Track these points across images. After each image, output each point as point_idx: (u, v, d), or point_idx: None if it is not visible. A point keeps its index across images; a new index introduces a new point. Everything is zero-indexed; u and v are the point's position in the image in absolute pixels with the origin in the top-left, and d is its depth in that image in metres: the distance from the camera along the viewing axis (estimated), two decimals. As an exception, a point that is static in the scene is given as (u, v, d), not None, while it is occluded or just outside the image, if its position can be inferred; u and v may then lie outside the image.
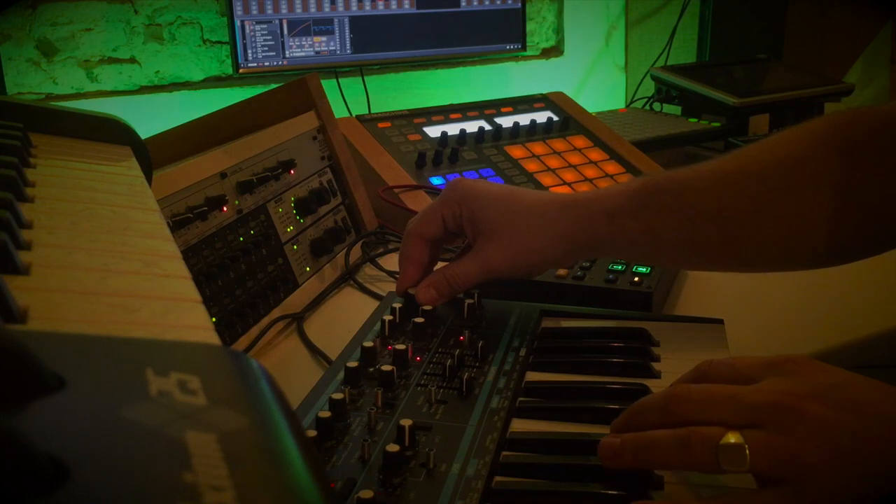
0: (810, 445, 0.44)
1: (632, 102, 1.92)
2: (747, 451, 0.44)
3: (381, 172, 1.19)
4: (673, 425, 0.47)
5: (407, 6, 1.62)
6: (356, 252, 1.07)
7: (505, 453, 0.54)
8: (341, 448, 0.53)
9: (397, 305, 0.72)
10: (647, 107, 1.80)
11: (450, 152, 1.25)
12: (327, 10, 1.56)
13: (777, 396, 0.46)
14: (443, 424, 0.56)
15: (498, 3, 1.70)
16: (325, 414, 0.55)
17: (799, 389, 0.46)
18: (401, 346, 0.65)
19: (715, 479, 0.52)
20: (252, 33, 1.51)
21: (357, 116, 1.32)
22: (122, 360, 0.25)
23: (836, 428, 0.44)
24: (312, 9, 1.55)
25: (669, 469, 0.49)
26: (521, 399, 0.61)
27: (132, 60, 1.58)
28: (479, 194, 0.72)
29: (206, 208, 0.80)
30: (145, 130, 0.67)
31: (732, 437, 0.44)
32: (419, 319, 0.70)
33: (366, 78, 1.69)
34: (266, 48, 1.52)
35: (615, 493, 0.50)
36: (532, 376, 0.65)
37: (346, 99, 1.68)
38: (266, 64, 1.53)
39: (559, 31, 2.01)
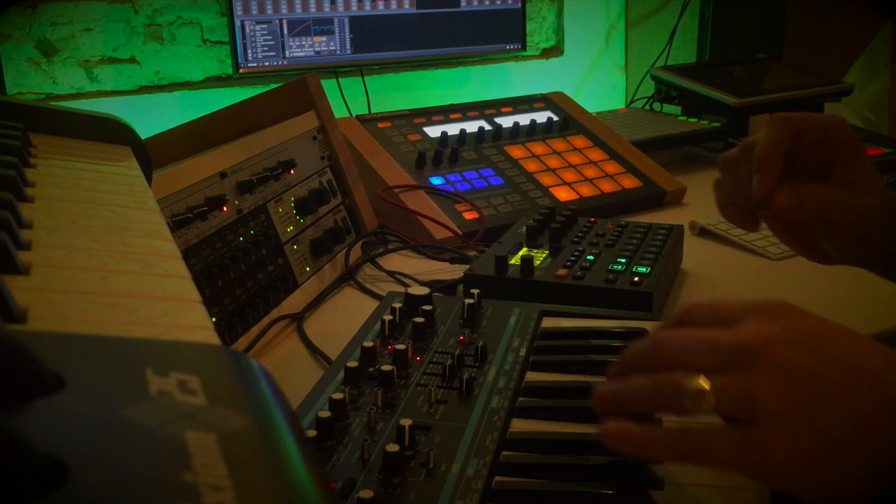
0: (772, 388, 0.43)
1: (632, 102, 1.92)
2: (711, 393, 0.43)
3: (381, 172, 1.19)
4: (654, 371, 0.47)
5: (407, 6, 1.62)
6: (356, 252, 1.07)
7: (505, 453, 0.54)
8: (341, 448, 0.53)
9: (397, 305, 0.72)
10: (647, 107, 1.80)
11: (450, 152, 1.25)
12: (327, 10, 1.56)
13: (750, 338, 0.44)
14: (443, 424, 0.56)
15: (498, 3, 1.70)
16: (325, 414, 0.55)
17: (774, 332, 0.45)
18: (401, 346, 0.65)
19: (714, 478, 0.52)
20: (252, 33, 1.51)
21: (357, 116, 1.32)
22: (122, 360, 0.25)
23: (804, 374, 0.43)
24: (312, 9, 1.55)
25: (646, 411, 0.48)
26: (521, 399, 0.61)
27: (132, 60, 1.58)
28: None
29: (206, 208, 0.80)
30: (145, 130, 0.67)
31: (697, 380, 0.44)
32: (419, 319, 0.70)
33: (366, 78, 1.69)
34: (266, 48, 1.52)
35: (615, 492, 0.50)
36: (532, 376, 0.65)
37: (346, 99, 1.68)
38: (266, 64, 1.53)
39: (559, 31, 2.01)
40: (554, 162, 1.31)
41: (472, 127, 1.32)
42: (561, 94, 1.50)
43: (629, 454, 0.46)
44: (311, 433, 0.54)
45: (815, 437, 0.42)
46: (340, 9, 1.57)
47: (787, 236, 0.69)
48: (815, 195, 0.63)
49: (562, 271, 0.87)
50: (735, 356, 0.44)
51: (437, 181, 1.21)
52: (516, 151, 1.31)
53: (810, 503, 0.44)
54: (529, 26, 1.92)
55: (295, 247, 0.95)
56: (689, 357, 0.46)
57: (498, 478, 0.52)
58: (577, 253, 0.92)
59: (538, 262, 0.89)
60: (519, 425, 0.58)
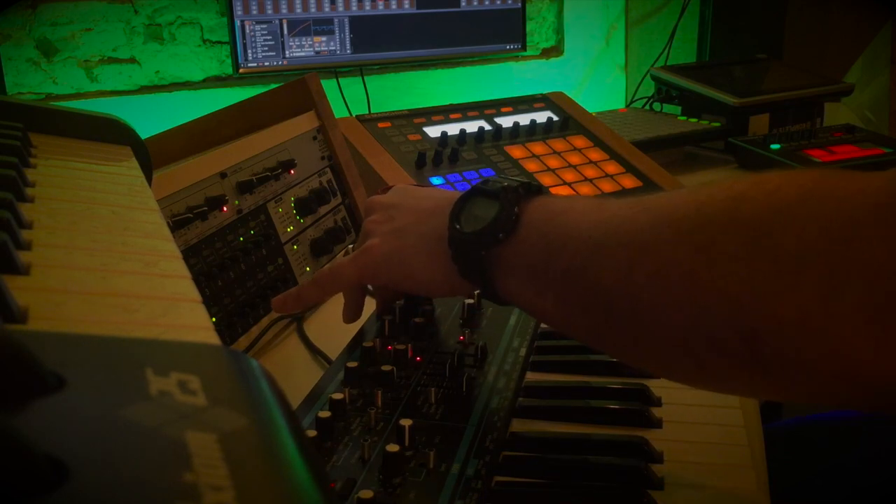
0: (373, 220, 0.66)
1: (632, 102, 1.92)
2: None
3: (381, 172, 1.19)
4: None
5: (407, 6, 1.62)
6: (356, 252, 1.07)
7: (505, 453, 0.54)
8: (341, 448, 0.53)
9: (397, 305, 0.72)
10: (647, 107, 1.80)
11: (450, 152, 1.25)
12: (327, 10, 1.56)
13: (367, 201, 0.69)
14: (443, 424, 0.56)
15: (498, 3, 1.70)
16: (325, 414, 0.55)
17: (380, 195, 0.69)
18: (401, 346, 0.65)
19: (714, 479, 0.52)
20: (252, 33, 1.51)
21: (357, 116, 1.32)
22: (122, 360, 0.25)
23: (389, 206, 0.66)
24: (312, 9, 1.55)
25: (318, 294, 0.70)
26: (521, 399, 0.61)
27: (132, 60, 1.58)
28: None
29: (206, 208, 0.80)
30: (145, 130, 0.67)
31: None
32: (419, 319, 0.70)
33: (366, 78, 1.69)
34: (266, 48, 1.52)
35: (615, 493, 0.50)
36: (532, 376, 0.65)
37: (346, 99, 1.68)
38: (266, 64, 1.53)
39: (559, 31, 2.01)
40: (554, 162, 1.31)
41: (472, 127, 1.32)
42: (561, 94, 1.50)
43: (294, 308, 0.72)
44: (311, 433, 0.53)
45: (396, 238, 0.63)
46: (340, 9, 1.57)
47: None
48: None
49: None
50: (363, 220, 0.69)
51: (437, 181, 1.21)
52: (516, 151, 1.31)
53: (412, 291, 0.70)
54: (529, 26, 1.92)
55: (295, 247, 0.95)
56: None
57: (498, 478, 0.52)
58: (577, 253, 0.92)
59: (538, 262, 0.89)
60: (519, 425, 0.58)
